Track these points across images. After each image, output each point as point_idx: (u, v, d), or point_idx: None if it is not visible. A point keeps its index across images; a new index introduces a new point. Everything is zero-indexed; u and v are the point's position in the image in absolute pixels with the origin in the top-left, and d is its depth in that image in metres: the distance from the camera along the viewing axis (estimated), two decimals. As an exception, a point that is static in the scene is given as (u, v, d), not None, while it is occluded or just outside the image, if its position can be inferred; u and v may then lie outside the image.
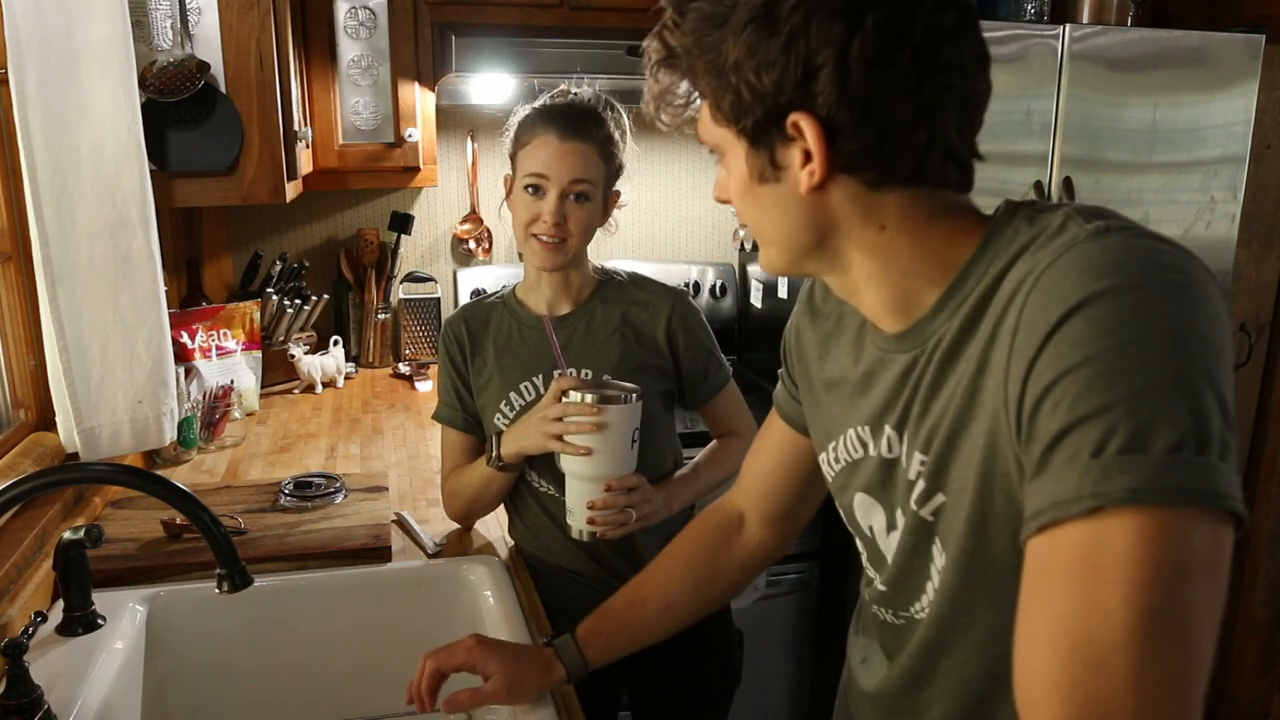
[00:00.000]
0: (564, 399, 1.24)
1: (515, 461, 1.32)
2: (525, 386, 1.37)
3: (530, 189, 1.30)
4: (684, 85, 0.73)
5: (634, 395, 1.24)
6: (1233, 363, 0.59)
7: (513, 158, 1.34)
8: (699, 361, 1.40)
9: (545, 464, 1.36)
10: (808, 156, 0.67)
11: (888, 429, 0.77)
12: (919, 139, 0.66)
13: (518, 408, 1.36)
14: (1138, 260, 0.60)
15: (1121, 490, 0.54)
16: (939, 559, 0.75)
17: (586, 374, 1.36)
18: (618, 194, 1.38)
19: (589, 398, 1.22)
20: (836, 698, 1.03)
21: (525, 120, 1.33)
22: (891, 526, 0.81)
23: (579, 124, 1.30)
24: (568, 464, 1.26)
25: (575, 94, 1.35)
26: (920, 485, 0.74)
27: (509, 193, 1.36)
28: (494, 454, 1.33)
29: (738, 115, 0.69)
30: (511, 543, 1.46)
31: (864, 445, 0.81)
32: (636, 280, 1.43)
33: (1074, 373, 0.57)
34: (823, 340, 0.87)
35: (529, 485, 1.40)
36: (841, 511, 0.89)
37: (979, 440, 0.68)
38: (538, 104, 1.34)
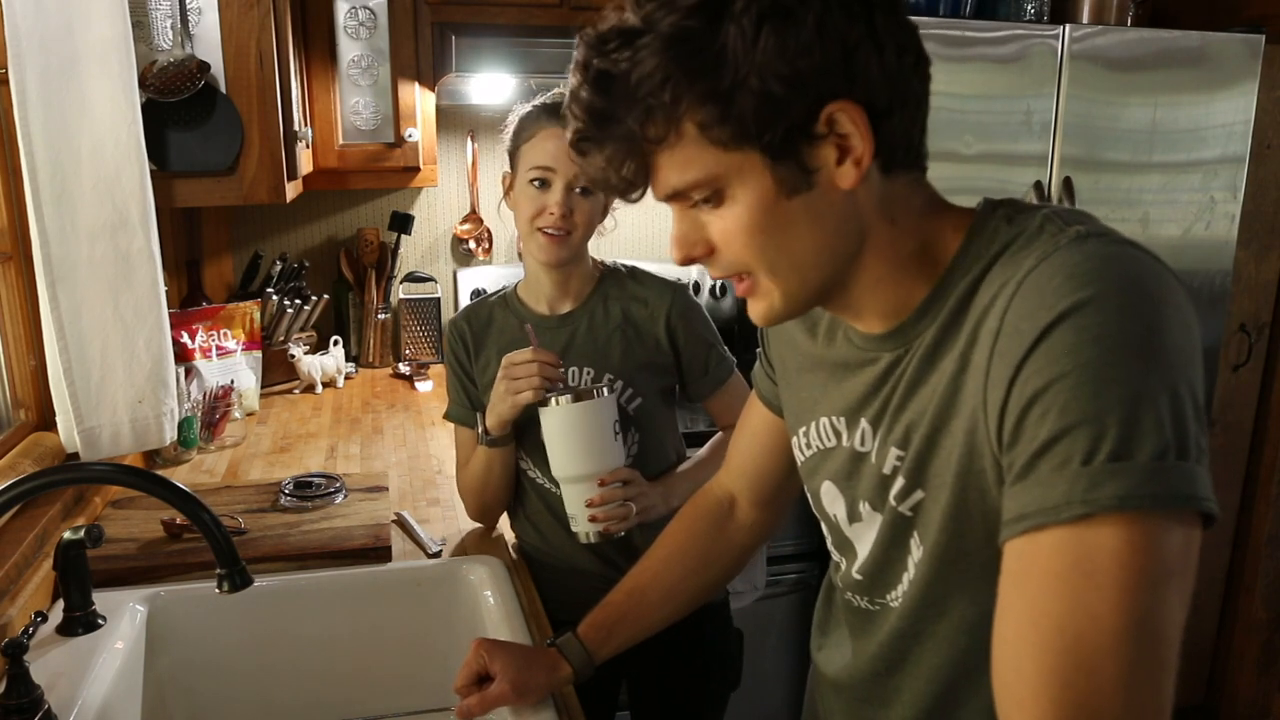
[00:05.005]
0: (541, 408, 1.26)
1: (501, 432, 1.33)
2: None
3: (536, 183, 1.30)
4: (624, 158, 0.67)
5: (604, 389, 1.26)
6: (1203, 364, 0.61)
7: (513, 154, 1.34)
8: (699, 356, 1.41)
9: (544, 458, 1.36)
10: (841, 151, 0.65)
11: (863, 422, 0.78)
12: (923, 114, 0.69)
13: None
14: (1118, 268, 0.61)
15: (1111, 498, 0.55)
16: (916, 551, 0.76)
17: (589, 373, 1.36)
18: None
19: (563, 399, 1.24)
20: (805, 691, 1.03)
21: (528, 116, 1.33)
22: (854, 518, 0.82)
23: None
24: (558, 471, 1.29)
25: None
26: (900, 482, 0.75)
27: (509, 190, 1.36)
28: (482, 430, 1.35)
29: (760, 127, 0.63)
30: (514, 541, 1.46)
31: (837, 435, 0.82)
32: (636, 275, 1.43)
33: (1062, 380, 0.58)
34: (798, 325, 0.88)
35: (530, 480, 1.40)
36: (809, 495, 0.90)
37: (959, 438, 0.69)
38: (538, 101, 1.34)
